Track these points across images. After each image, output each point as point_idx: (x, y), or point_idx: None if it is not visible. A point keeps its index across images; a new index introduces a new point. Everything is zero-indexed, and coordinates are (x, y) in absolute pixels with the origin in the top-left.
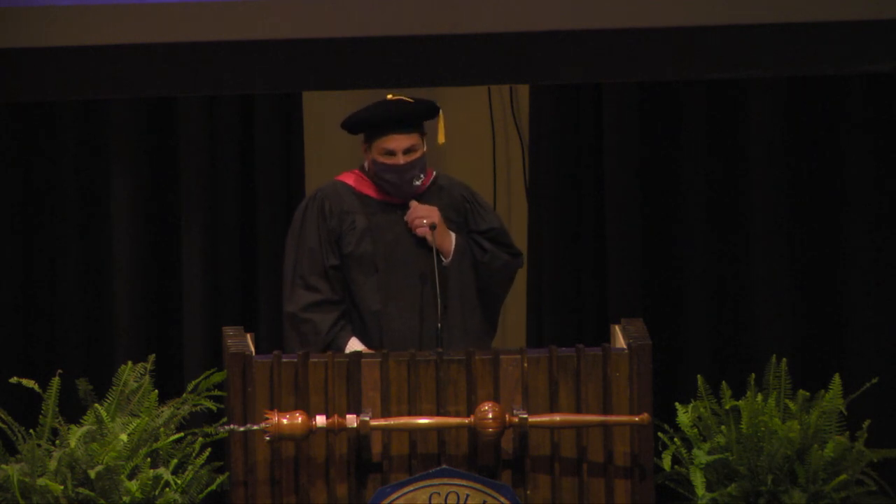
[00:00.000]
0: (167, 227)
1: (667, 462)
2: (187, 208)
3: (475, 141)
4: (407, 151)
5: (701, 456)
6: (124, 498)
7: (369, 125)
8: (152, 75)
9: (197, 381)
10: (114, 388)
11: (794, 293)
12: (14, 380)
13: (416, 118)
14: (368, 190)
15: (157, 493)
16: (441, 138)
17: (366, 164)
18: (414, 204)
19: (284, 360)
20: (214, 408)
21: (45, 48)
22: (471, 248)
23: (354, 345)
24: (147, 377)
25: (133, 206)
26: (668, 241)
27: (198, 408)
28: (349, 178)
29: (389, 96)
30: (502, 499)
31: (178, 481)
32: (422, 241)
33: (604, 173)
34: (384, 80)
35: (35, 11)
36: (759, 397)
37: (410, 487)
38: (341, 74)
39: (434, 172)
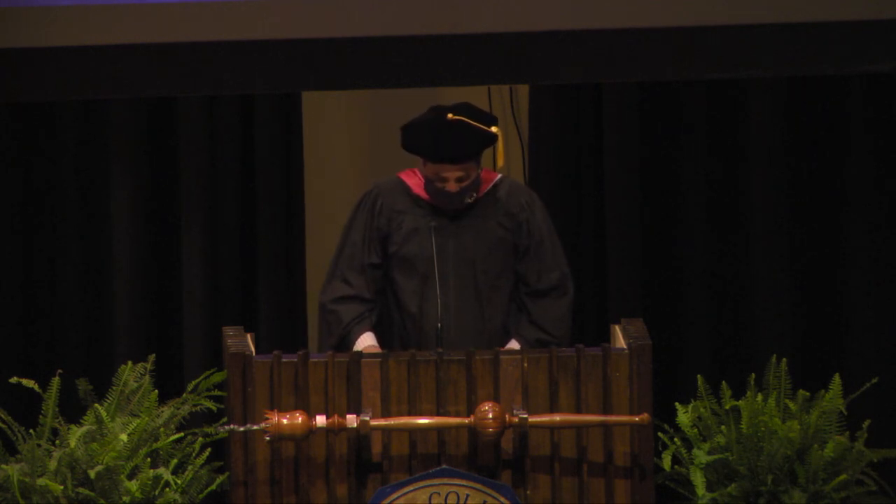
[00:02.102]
0: (167, 227)
1: (667, 462)
2: (187, 208)
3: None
4: (459, 180)
5: (701, 456)
6: (124, 498)
7: (423, 152)
8: (152, 75)
9: (197, 381)
10: (114, 388)
11: (794, 293)
12: (14, 380)
13: (471, 155)
14: (423, 192)
15: (157, 493)
16: (500, 161)
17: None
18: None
19: (284, 360)
20: (214, 408)
21: (45, 48)
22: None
23: (366, 339)
24: (147, 377)
25: (133, 206)
26: (668, 241)
27: (198, 408)
28: (408, 177)
29: (450, 116)
30: (502, 499)
31: (178, 481)
32: (467, 247)
33: (604, 173)
34: (384, 80)
35: (35, 11)
36: (759, 397)
37: (410, 487)
38: (341, 74)
39: (499, 176)
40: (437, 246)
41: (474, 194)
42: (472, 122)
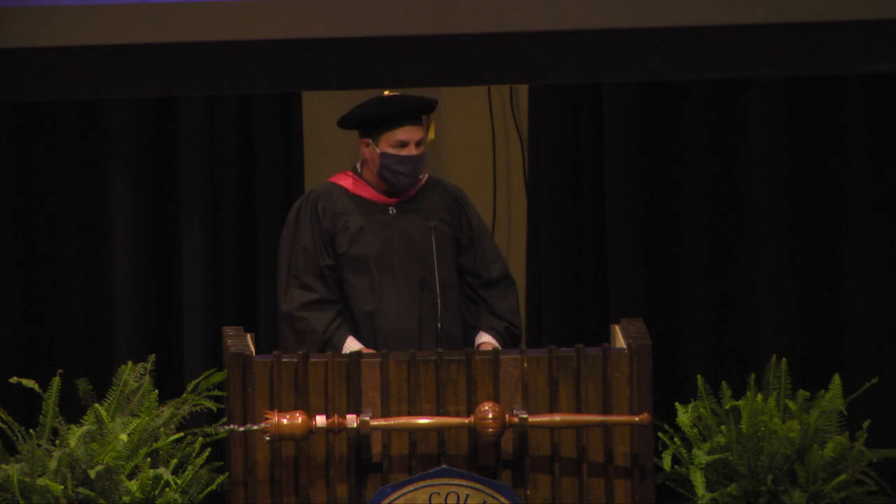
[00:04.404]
0: (167, 227)
1: (667, 462)
2: (187, 209)
3: (475, 141)
4: (418, 143)
5: (701, 456)
6: (124, 498)
7: (381, 118)
8: (152, 75)
9: (197, 381)
10: (114, 388)
11: (794, 293)
12: (14, 380)
13: (422, 110)
14: (362, 191)
15: (157, 493)
16: (431, 134)
17: (359, 165)
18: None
19: (284, 360)
20: (214, 408)
21: (45, 48)
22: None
23: (352, 344)
24: (147, 377)
25: (133, 207)
26: (668, 241)
27: (198, 408)
28: (342, 180)
29: (387, 92)
30: (502, 499)
31: (178, 481)
32: (414, 243)
33: (604, 173)
34: (384, 80)
35: (35, 11)
36: (759, 397)
37: (410, 487)
38: (341, 74)
39: (426, 175)
40: (382, 242)
41: (425, 168)
42: (406, 94)
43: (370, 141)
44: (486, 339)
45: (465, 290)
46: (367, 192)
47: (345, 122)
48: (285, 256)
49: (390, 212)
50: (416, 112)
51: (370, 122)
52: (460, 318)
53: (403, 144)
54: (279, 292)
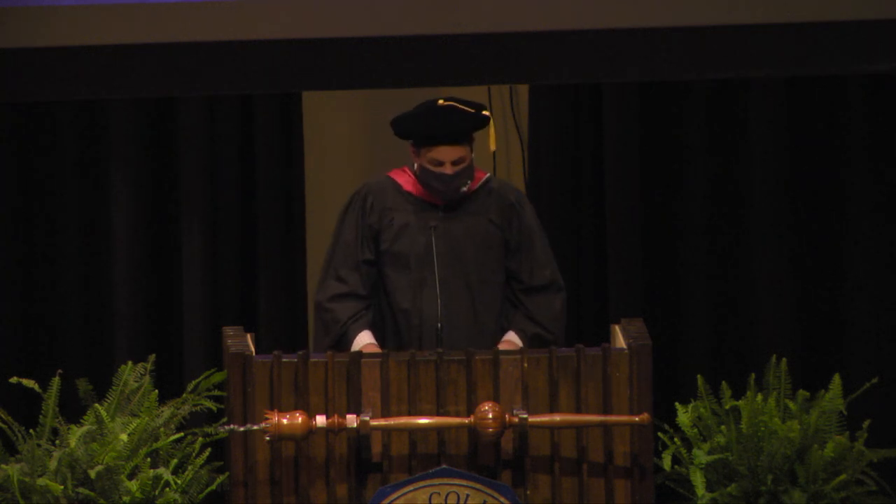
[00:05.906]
0: (167, 227)
1: (667, 462)
2: (187, 209)
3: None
4: (455, 162)
5: (701, 456)
6: (124, 498)
7: (419, 135)
8: (152, 75)
9: (197, 381)
10: (114, 388)
11: (794, 293)
12: (14, 380)
13: (466, 132)
14: (413, 189)
15: (157, 493)
16: (492, 145)
17: (414, 165)
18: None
19: (284, 360)
20: (214, 408)
21: (45, 48)
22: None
23: (364, 338)
24: (147, 377)
25: (133, 207)
26: (668, 241)
27: (198, 408)
28: (398, 175)
29: (441, 101)
30: (502, 499)
31: (178, 481)
32: (458, 243)
33: (603, 173)
34: (384, 80)
35: (35, 11)
36: (759, 397)
37: (410, 487)
38: (341, 74)
39: (487, 175)
40: (426, 241)
41: (469, 181)
42: (462, 106)
43: (415, 151)
44: (508, 339)
45: (508, 294)
46: (418, 190)
47: (394, 128)
48: (330, 247)
49: (438, 211)
50: (456, 133)
51: (410, 136)
52: (496, 321)
53: (439, 163)
54: (319, 282)
